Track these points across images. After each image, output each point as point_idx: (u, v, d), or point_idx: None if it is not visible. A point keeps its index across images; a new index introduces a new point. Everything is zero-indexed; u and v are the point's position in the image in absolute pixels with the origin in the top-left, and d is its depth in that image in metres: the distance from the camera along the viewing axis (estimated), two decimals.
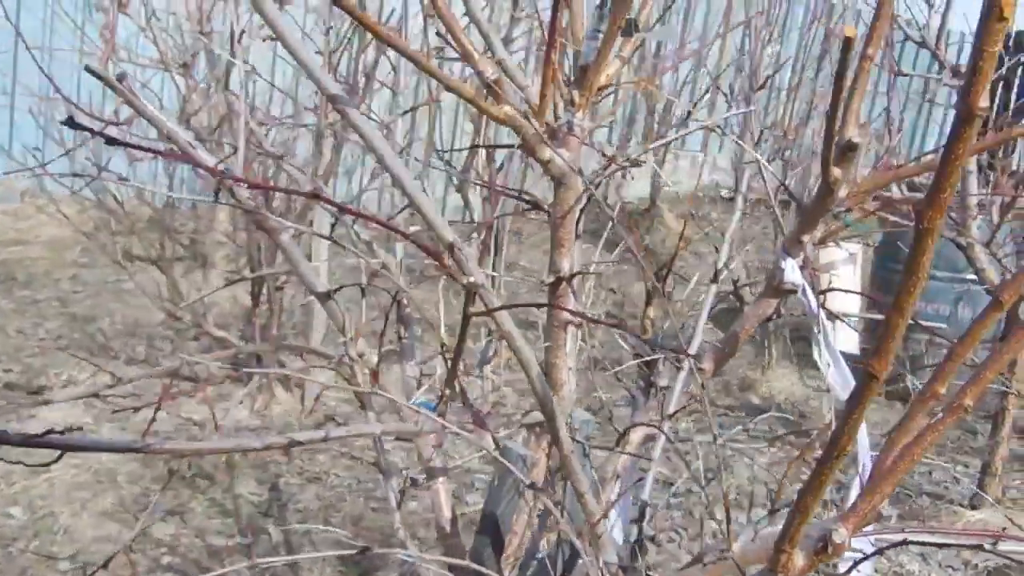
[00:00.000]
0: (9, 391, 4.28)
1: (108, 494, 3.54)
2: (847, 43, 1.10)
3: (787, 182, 4.43)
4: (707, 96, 5.07)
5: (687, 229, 2.37)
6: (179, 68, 5.45)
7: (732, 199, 6.56)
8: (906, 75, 3.29)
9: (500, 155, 6.66)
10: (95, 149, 5.04)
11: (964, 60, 3.82)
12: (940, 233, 2.66)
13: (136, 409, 4.24)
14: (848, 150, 1.34)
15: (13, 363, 4.57)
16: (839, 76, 1.15)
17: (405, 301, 1.80)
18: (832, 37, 6.46)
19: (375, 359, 1.67)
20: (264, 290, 4.53)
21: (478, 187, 5.39)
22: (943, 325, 4.56)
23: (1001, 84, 4.08)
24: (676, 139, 4.23)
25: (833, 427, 1.53)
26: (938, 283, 4.55)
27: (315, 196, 0.92)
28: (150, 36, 5.22)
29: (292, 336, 5.07)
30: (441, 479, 1.79)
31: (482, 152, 5.59)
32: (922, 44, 3.47)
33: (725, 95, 2.96)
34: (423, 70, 1.09)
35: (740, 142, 1.55)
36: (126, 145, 0.95)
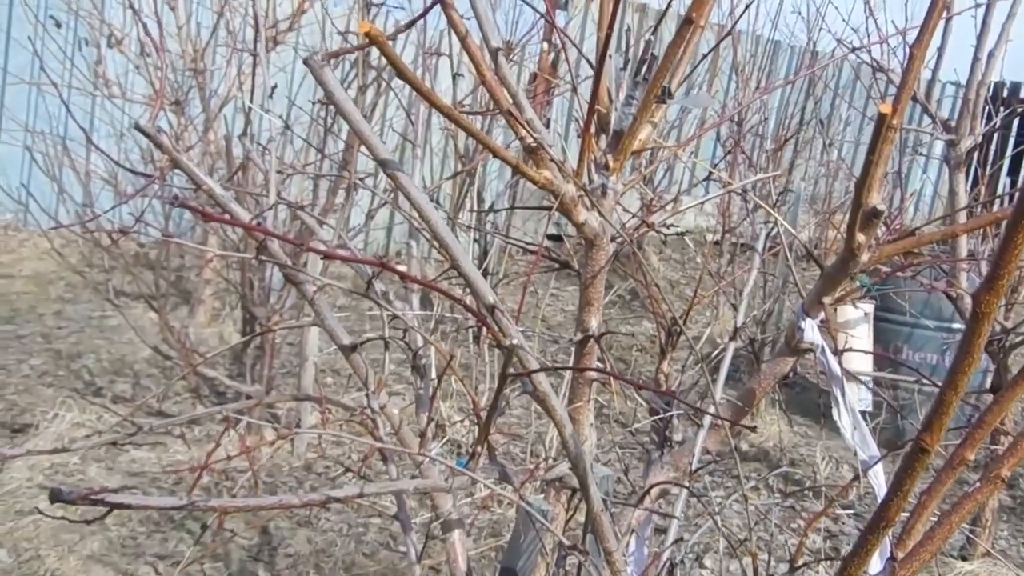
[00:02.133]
0: None
1: (95, 537, 3.49)
2: (881, 119, 1.14)
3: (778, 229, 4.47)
4: (726, 158, 5.14)
5: (673, 272, 2.39)
6: (172, 105, 5.47)
7: (718, 243, 6.63)
8: (900, 129, 3.38)
9: (489, 197, 6.72)
10: (87, 190, 5.04)
11: (954, 114, 3.92)
12: (932, 285, 2.67)
13: (121, 445, 4.17)
14: (872, 217, 1.37)
15: None
16: (871, 149, 1.19)
17: (422, 352, 1.81)
18: (816, 84, 6.59)
19: (396, 411, 1.68)
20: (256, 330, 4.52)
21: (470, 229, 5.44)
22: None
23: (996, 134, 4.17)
24: (701, 202, 4.29)
25: (855, 484, 1.55)
26: (926, 332, 4.61)
27: (383, 266, 0.93)
28: (144, 74, 5.23)
29: (281, 376, 5.05)
30: (457, 531, 1.79)
31: (473, 195, 5.64)
32: (913, 98, 3.55)
33: (746, 155, 3.02)
34: (478, 140, 1.11)
35: (761, 202, 1.58)
36: (186, 207, 0.96)
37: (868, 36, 4.17)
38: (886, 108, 1.12)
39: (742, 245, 6.41)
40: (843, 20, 4.94)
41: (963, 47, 3.81)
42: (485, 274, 5.35)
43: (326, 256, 0.96)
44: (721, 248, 6.39)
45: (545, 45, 7.78)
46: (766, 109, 5.88)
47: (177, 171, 1.59)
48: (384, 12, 5.11)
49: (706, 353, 4.41)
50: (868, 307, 1.69)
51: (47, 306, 6.00)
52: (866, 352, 1.62)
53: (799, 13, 8.13)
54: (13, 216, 7.08)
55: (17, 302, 5.98)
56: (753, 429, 1.17)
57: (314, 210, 4.34)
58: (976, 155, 4.03)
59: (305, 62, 1.09)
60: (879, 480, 1.53)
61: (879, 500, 1.54)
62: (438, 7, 1.36)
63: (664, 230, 1.36)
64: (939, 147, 6.57)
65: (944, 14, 3.17)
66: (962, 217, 3.01)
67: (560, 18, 8.22)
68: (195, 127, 5.42)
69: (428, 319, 4.23)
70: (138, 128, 1.19)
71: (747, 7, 1.80)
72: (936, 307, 4.48)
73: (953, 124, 3.57)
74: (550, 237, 7.99)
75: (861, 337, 1.66)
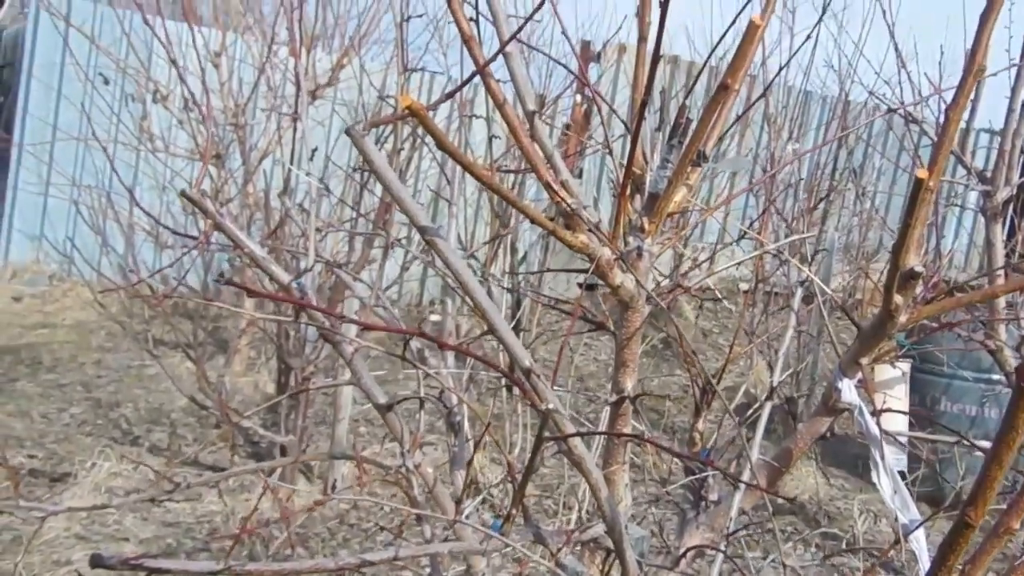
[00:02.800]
0: (33, 478, 4.27)
1: None
2: (919, 183, 1.14)
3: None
4: (760, 217, 5.14)
5: (706, 322, 2.38)
6: (213, 159, 5.60)
7: (750, 292, 6.59)
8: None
9: (522, 247, 6.76)
10: (130, 242, 5.15)
11: (988, 164, 3.91)
12: (971, 337, 2.64)
13: (159, 502, 4.20)
14: (910, 278, 1.37)
15: (37, 449, 4.57)
16: (909, 212, 1.19)
17: (456, 410, 1.82)
18: (849, 136, 6.58)
19: (430, 470, 1.68)
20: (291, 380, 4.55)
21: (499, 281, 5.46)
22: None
23: None
24: (737, 264, 4.29)
25: (896, 547, 1.52)
26: (964, 383, 4.53)
27: (419, 334, 0.95)
28: (187, 129, 5.36)
29: (314, 426, 5.07)
30: None
31: (507, 245, 5.67)
32: None
33: (782, 216, 3.02)
34: (517, 208, 1.13)
35: (796, 263, 1.58)
36: (232, 284, 0.99)
37: (900, 87, 4.17)
38: (923, 173, 1.13)
39: (776, 295, 6.38)
40: (875, 72, 4.95)
41: (997, 96, 3.80)
42: (518, 329, 5.36)
43: (364, 327, 0.98)
44: (754, 298, 6.35)
45: (578, 98, 7.86)
46: (799, 165, 5.87)
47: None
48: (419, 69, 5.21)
49: (741, 404, 4.37)
50: (905, 366, 1.67)
51: (88, 355, 6.10)
52: (903, 412, 1.60)
53: (831, 66, 8.14)
54: (58, 267, 7.24)
55: (59, 351, 6.08)
56: (792, 501, 1.16)
57: (349, 264, 4.39)
58: (1012, 205, 4.00)
59: (347, 132, 1.12)
60: (921, 544, 1.50)
61: (922, 565, 1.51)
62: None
63: (700, 293, 1.37)
64: (973, 197, 6.52)
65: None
66: (1000, 273, 2.98)
67: (592, 71, 8.31)
68: (235, 180, 5.53)
69: (462, 373, 4.25)
70: (184, 195, 1.23)
71: (781, 69, 1.82)
72: (974, 358, 4.41)
73: (988, 175, 3.55)
74: (585, 287, 7.99)
75: (898, 397, 1.64)
